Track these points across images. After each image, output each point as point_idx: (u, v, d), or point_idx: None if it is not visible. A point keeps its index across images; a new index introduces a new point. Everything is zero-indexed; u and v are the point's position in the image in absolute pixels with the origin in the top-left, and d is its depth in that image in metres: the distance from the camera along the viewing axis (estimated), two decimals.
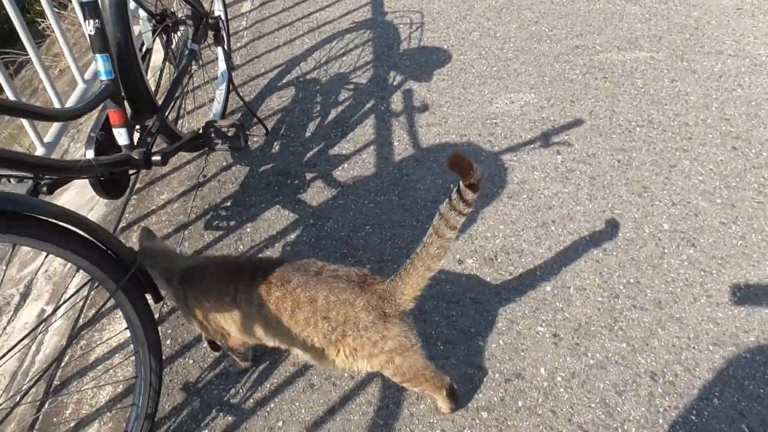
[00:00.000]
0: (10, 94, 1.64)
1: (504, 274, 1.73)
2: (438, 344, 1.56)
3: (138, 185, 2.13)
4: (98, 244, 1.13)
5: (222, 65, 2.26)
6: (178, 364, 1.57)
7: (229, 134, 1.75)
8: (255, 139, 2.27)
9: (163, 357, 1.58)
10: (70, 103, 1.96)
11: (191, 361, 1.57)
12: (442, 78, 2.54)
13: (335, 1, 3.16)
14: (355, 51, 2.74)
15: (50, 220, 1.03)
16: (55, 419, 1.48)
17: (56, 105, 1.90)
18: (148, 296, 1.28)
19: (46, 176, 1.25)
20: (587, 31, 2.79)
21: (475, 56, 2.66)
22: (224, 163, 2.18)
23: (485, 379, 1.47)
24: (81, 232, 1.09)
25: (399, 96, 2.45)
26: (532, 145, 2.17)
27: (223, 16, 2.27)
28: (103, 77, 1.47)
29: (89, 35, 1.43)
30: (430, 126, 2.28)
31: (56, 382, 1.55)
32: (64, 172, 1.31)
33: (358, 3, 3.11)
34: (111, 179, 1.53)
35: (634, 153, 2.11)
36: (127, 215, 2.00)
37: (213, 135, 1.75)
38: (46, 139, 1.75)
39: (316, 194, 2.03)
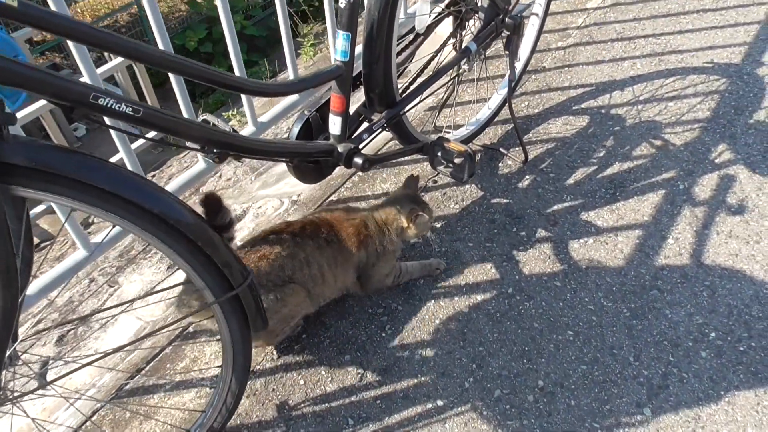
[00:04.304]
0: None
1: None
2: None
3: None
4: (208, 255, 0.99)
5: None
6: (289, 378, 1.43)
7: (455, 161, 1.46)
8: (509, 162, 1.94)
9: (283, 361, 1.47)
10: None
11: (302, 382, 1.42)
12: None
13: (705, 27, 2.48)
14: (690, 99, 2.13)
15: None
16: (168, 365, 1.48)
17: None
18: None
19: (246, 155, 1.16)
20: None
21: None
22: None
23: None
24: (193, 239, 0.96)
25: (712, 180, 1.82)
26: None
27: (538, 17, 1.91)
28: (338, 57, 1.31)
29: (339, 7, 1.26)
30: (732, 238, 1.66)
31: (191, 329, 1.56)
32: (256, 153, 1.20)
33: (732, 39, 2.40)
34: (307, 163, 1.39)
35: None
36: (342, 191, 1.89)
37: (439, 154, 1.49)
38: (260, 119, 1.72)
39: (535, 259, 1.64)
